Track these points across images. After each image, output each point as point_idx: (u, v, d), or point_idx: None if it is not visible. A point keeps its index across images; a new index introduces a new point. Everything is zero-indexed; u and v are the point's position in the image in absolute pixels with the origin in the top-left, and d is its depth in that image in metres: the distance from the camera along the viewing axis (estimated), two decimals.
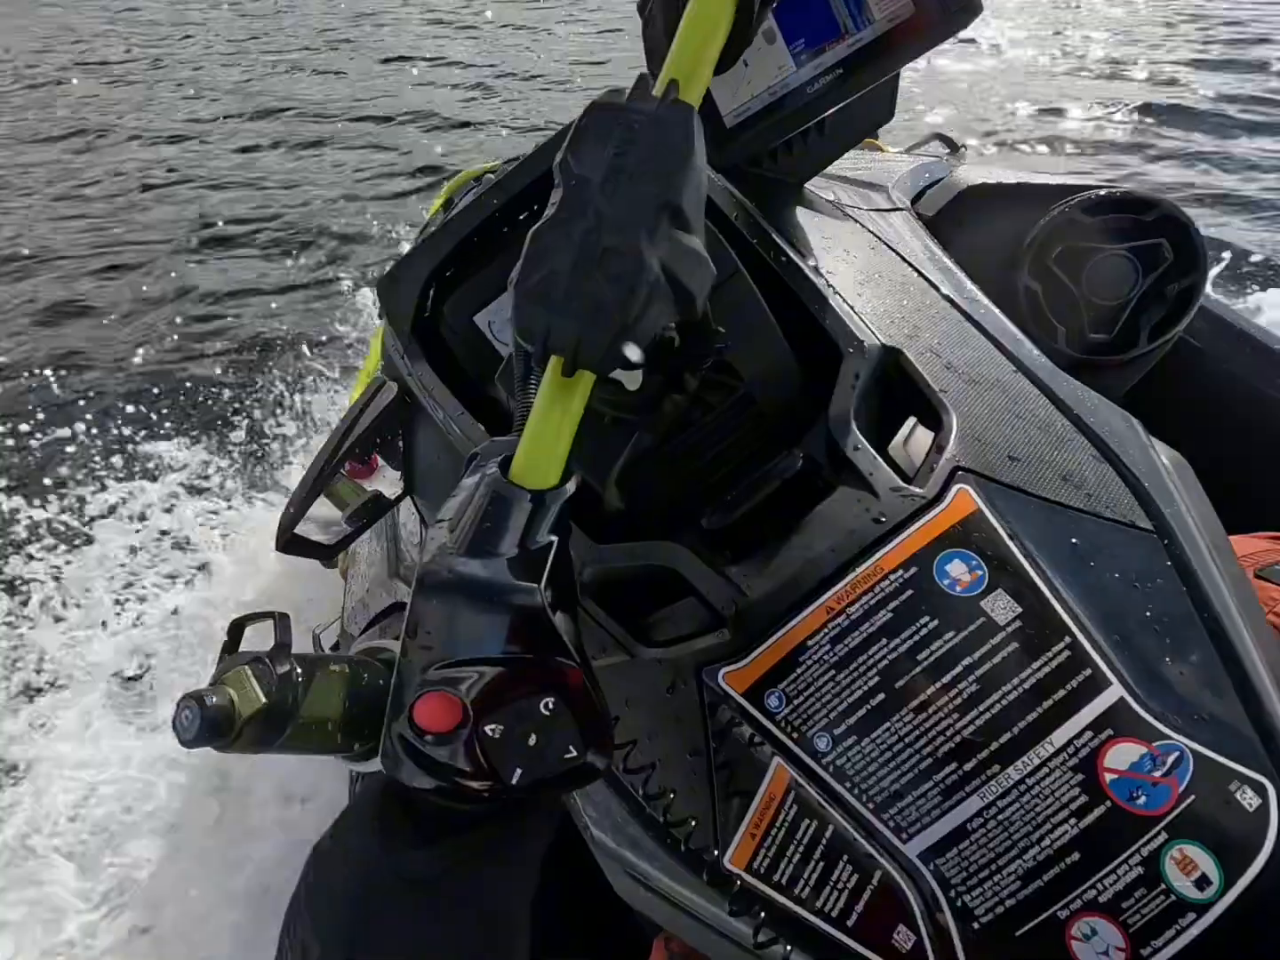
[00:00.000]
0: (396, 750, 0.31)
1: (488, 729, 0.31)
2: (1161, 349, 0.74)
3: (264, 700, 0.50)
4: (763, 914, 0.41)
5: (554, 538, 0.34)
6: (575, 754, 0.32)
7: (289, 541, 0.76)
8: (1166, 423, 0.64)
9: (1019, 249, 0.75)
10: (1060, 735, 0.38)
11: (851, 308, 0.57)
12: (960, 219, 0.80)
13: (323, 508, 0.83)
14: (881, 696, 0.41)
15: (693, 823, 0.45)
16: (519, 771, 0.31)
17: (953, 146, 0.98)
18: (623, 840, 0.49)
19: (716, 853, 0.44)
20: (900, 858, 0.39)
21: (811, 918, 0.41)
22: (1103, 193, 0.73)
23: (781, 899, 0.42)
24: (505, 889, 0.31)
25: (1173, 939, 0.34)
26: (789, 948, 0.40)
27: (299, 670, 0.54)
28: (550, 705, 0.31)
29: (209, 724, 0.49)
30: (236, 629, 0.58)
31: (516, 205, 0.67)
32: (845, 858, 0.40)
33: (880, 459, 0.48)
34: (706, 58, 0.40)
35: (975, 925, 0.37)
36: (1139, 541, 0.44)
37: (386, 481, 0.86)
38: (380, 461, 0.84)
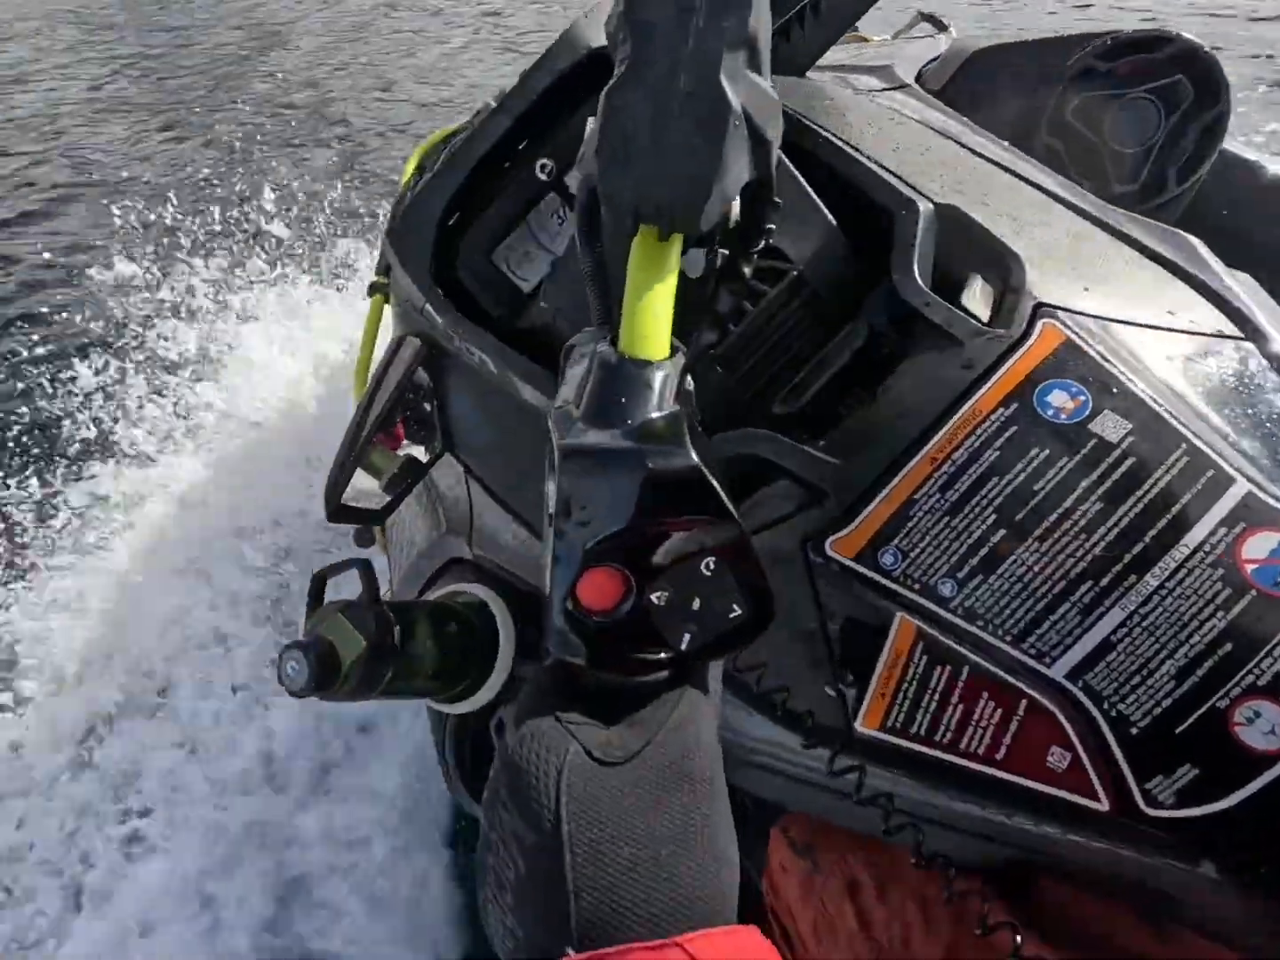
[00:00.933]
0: (565, 632, 0.31)
1: (654, 597, 0.30)
2: (1190, 190, 0.73)
3: (365, 643, 0.50)
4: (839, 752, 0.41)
5: (679, 406, 0.33)
6: (739, 612, 0.31)
7: (337, 510, 0.75)
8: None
9: (1035, 108, 0.74)
10: (1194, 536, 0.38)
11: (894, 173, 0.55)
12: (969, 88, 0.78)
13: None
14: (1002, 533, 0.41)
15: (811, 707, 0.45)
16: (688, 636, 0.31)
17: (940, 26, 0.95)
18: (749, 730, 0.49)
19: (848, 723, 0.45)
20: (1046, 682, 0.39)
21: (959, 760, 0.41)
22: (1115, 34, 0.71)
23: (923, 749, 0.42)
24: (702, 759, 0.31)
25: None
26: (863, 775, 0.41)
27: (392, 614, 0.53)
28: (711, 565, 0.31)
29: (317, 671, 0.48)
30: (319, 581, 0.57)
31: (518, 133, 0.65)
32: (985, 695, 0.41)
33: (955, 309, 0.47)
34: None
35: (1133, 730, 0.37)
36: (1235, 350, 0.44)
37: (414, 450, 0.85)
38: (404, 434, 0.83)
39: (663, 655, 0.30)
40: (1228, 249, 0.52)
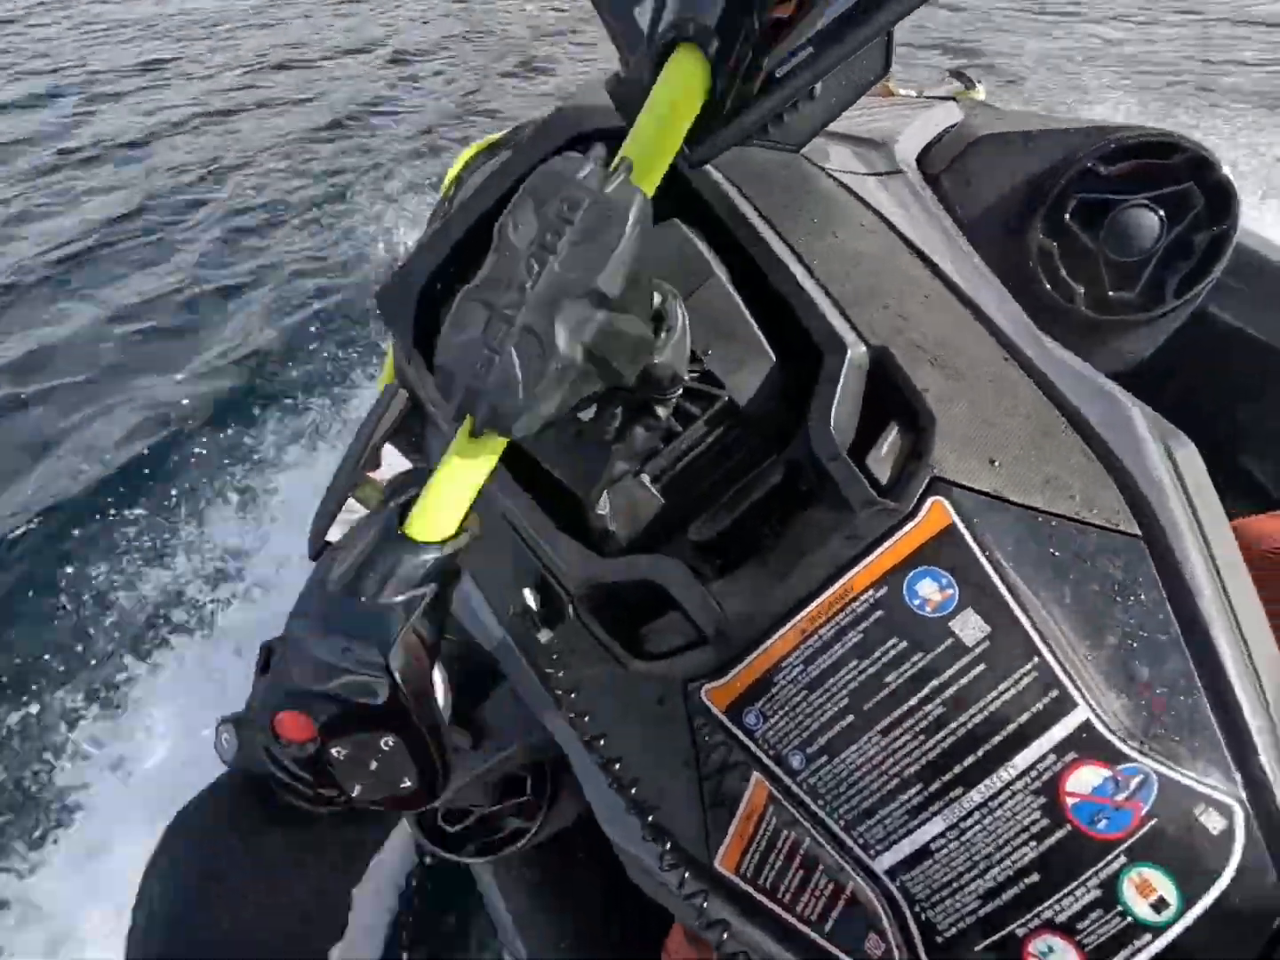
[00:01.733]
0: (258, 749, 0.36)
1: (333, 750, 0.35)
2: (1189, 304, 0.69)
3: None
4: (705, 903, 0.44)
5: (430, 587, 0.36)
6: (409, 784, 0.36)
7: (321, 549, 0.80)
8: (1198, 386, 0.61)
9: (1032, 205, 0.71)
10: (1023, 759, 0.38)
11: (836, 302, 0.55)
12: (969, 174, 0.75)
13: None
14: (851, 718, 0.42)
15: (676, 830, 0.48)
16: (359, 788, 0.36)
17: (968, 83, 0.90)
18: (627, 836, 0.53)
19: (709, 857, 0.47)
20: (870, 872, 0.41)
21: (793, 920, 0.44)
22: (1121, 137, 0.67)
23: (765, 900, 0.45)
24: (333, 882, 0.37)
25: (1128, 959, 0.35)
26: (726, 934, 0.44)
27: None
28: (389, 743, 0.36)
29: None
30: (266, 652, 0.63)
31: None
32: (821, 868, 0.43)
33: (857, 470, 0.48)
34: (666, 147, 0.38)
35: (938, 939, 0.39)
36: (1123, 548, 0.43)
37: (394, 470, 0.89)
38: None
39: (337, 795, 0.36)
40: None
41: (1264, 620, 0.42)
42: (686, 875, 0.48)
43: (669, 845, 0.48)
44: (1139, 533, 0.43)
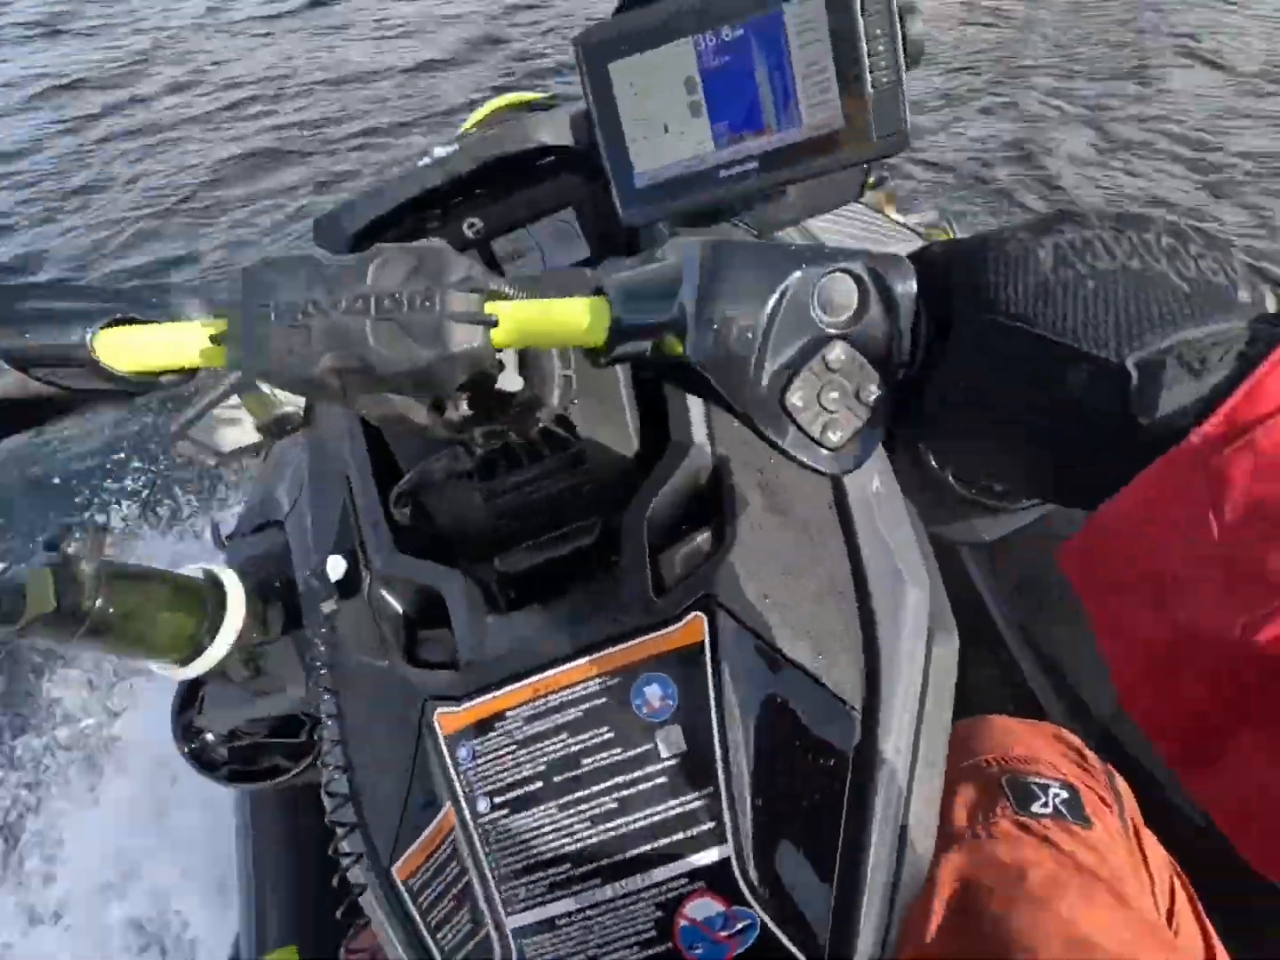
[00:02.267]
0: None
1: None
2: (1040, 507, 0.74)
3: (53, 605, 0.56)
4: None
5: None
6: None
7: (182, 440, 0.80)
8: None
9: None
10: (660, 873, 0.41)
11: (707, 410, 0.57)
12: None
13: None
14: (539, 785, 0.45)
15: (372, 824, 0.50)
16: None
17: (947, 226, 0.94)
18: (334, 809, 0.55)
19: (390, 858, 0.50)
20: (499, 926, 0.44)
21: (430, 942, 0.46)
22: None
23: (418, 917, 0.47)
24: None
25: None
26: None
27: (105, 584, 0.58)
28: None
29: None
30: (62, 532, 0.63)
31: (451, 191, 0.67)
32: (467, 907, 0.45)
33: (646, 562, 0.50)
34: (542, 337, 0.38)
35: None
36: (840, 719, 0.46)
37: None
38: None
39: None
40: None
41: (933, 831, 0.46)
42: (361, 862, 0.50)
43: (356, 829, 0.50)
44: (857, 709, 0.46)
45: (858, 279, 0.31)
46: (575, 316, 0.35)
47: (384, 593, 0.57)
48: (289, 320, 0.35)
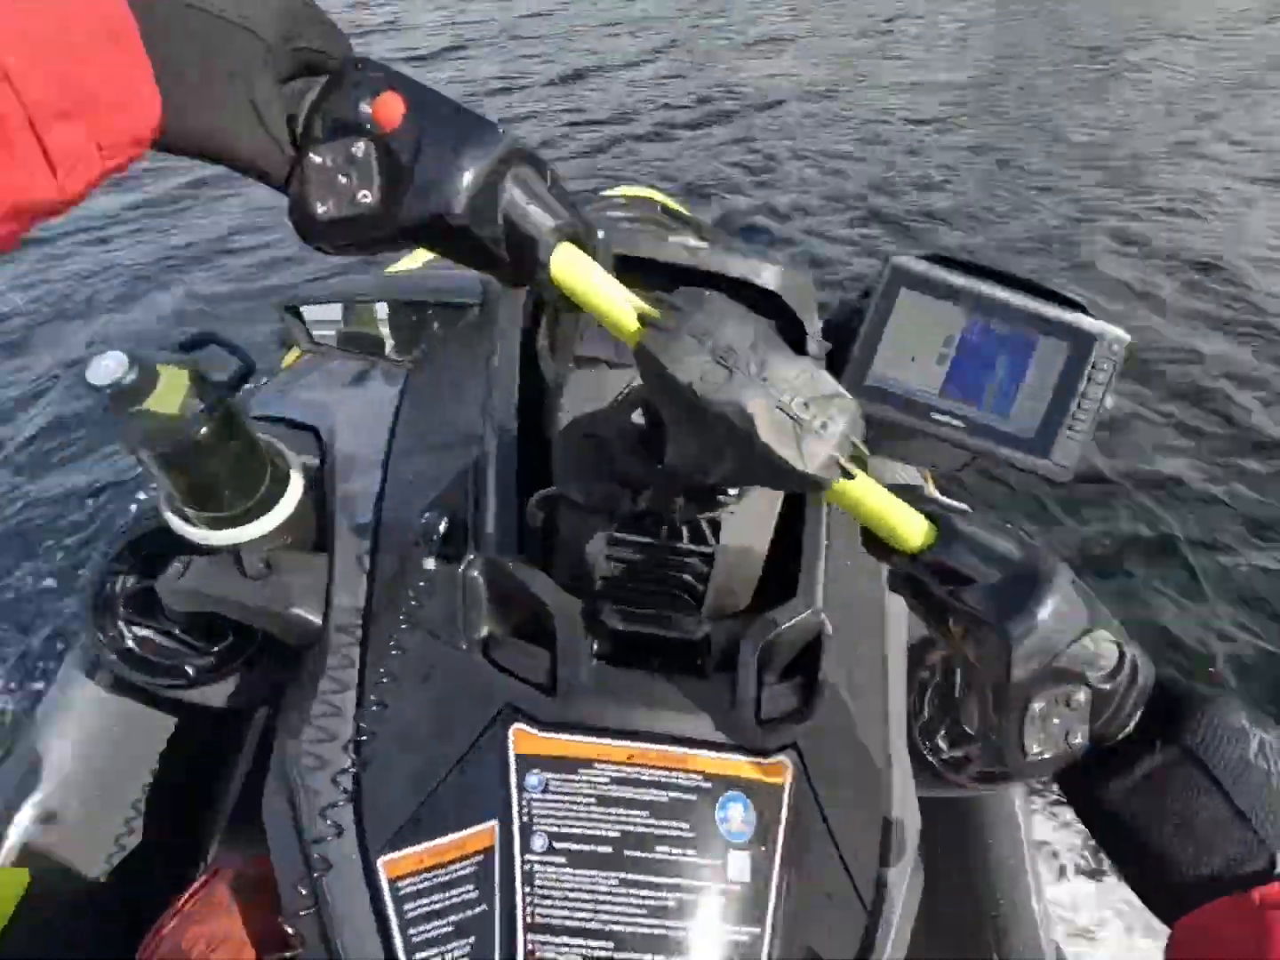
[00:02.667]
0: None
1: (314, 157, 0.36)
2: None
3: (175, 410, 0.50)
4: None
5: None
6: (370, 200, 0.37)
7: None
8: None
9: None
10: None
11: (829, 570, 0.64)
12: None
13: None
14: (609, 849, 0.45)
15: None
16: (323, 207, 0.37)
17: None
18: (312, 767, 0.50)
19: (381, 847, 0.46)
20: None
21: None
22: None
23: (396, 926, 0.44)
24: None
25: None
26: None
27: (217, 414, 0.53)
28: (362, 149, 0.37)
29: (124, 387, 0.48)
30: (203, 338, 0.57)
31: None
32: (472, 940, 0.43)
33: (756, 691, 0.53)
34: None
35: None
36: (853, 905, 0.50)
37: None
38: None
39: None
40: None
41: None
42: (333, 839, 0.46)
43: (348, 802, 0.46)
44: (867, 905, 0.51)
45: (1120, 649, 0.40)
46: (902, 523, 0.41)
47: (478, 576, 0.56)
48: (718, 356, 0.39)
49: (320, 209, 0.37)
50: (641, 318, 0.40)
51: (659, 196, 1.56)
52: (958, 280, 0.63)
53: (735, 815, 0.47)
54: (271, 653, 0.68)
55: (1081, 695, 0.38)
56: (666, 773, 0.47)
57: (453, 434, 0.67)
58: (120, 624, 0.66)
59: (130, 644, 0.67)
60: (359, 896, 0.44)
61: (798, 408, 0.40)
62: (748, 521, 0.62)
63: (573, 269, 0.40)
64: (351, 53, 0.38)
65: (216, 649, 0.69)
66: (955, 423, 0.66)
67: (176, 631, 0.68)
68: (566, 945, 0.42)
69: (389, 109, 0.36)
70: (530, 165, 0.40)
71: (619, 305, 0.41)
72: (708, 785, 0.48)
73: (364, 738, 0.49)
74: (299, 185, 0.37)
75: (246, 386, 0.58)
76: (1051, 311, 0.64)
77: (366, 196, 0.36)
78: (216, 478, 0.54)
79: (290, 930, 0.45)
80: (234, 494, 0.56)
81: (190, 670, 0.68)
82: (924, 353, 0.65)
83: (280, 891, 0.48)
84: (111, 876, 0.71)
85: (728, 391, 0.39)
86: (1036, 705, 0.38)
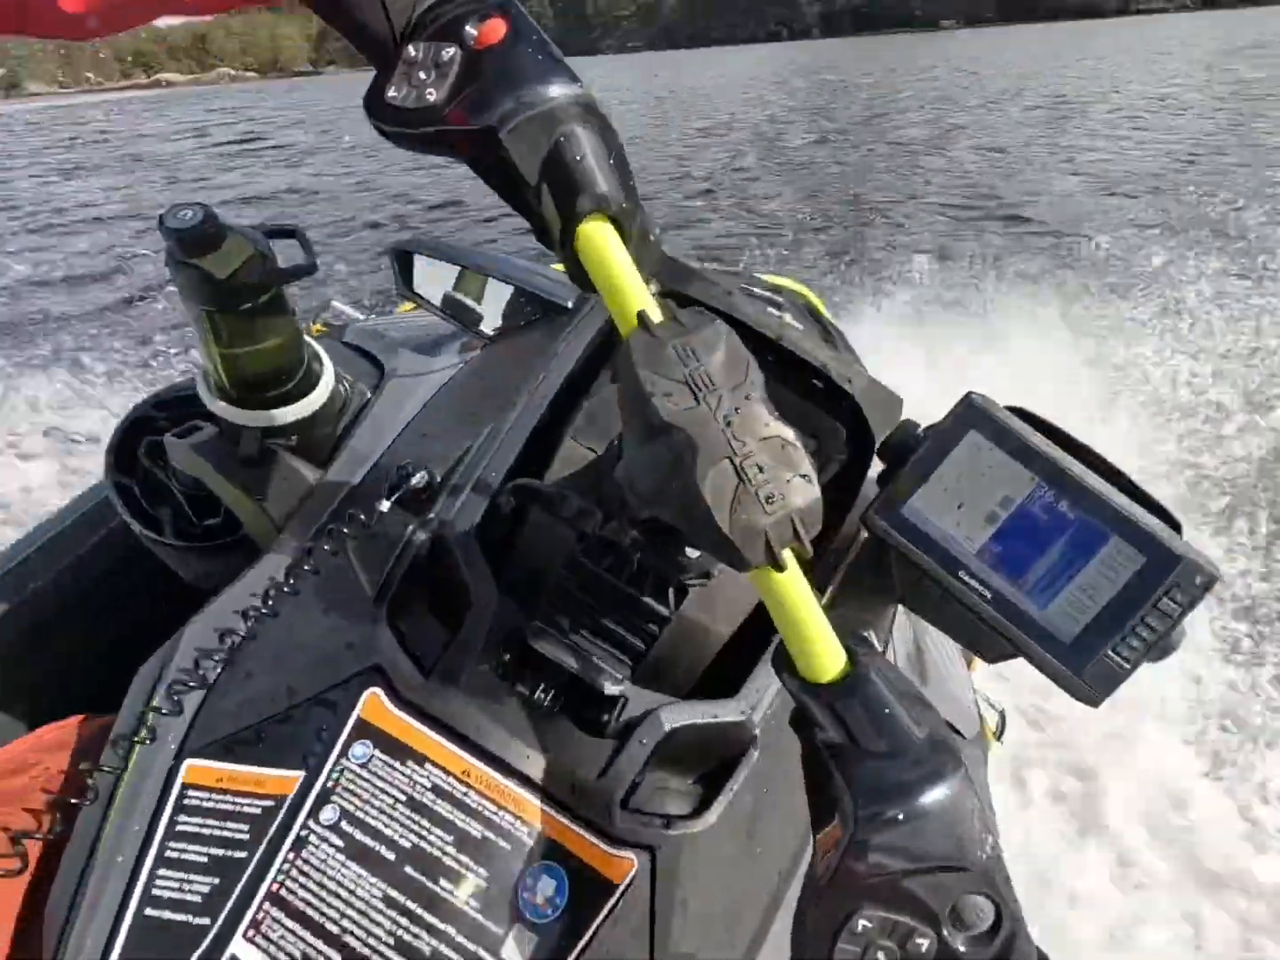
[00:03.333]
0: None
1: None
2: None
3: (230, 269, 0.53)
4: None
5: None
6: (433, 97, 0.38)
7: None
8: None
9: None
10: None
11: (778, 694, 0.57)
12: None
13: None
14: (390, 855, 0.41)
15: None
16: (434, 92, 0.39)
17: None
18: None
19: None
20: (224, 942, 0.37)
21: (145, 871, 0.40)
22: None
23: (159, 836, 0.41)
24: None
25: None
26: None
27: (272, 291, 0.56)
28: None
29: (199, 234, 0.52)
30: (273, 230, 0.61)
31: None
32: (215, 881, 0.39)
33: (639, 775, 0.47)
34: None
35: None
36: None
37: None
38: None
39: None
40: None
41: None
42: (167, 719, 0.44)
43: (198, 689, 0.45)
44: None
45: (998, 913, 0.30)
46: (818, 646, 0.36)
47: (423, 540, 0.54)
48: (696, 381, 0.36)
49: (391, 93, 0.39)
50: (641, 315, 0.38)
51: (810, 295, 1.56)
52: (1036, 441, 0.57)
53: (543, 891, 0.41)
54: (246, 551, 0.69)
55: (925, 943, 0.30)
56: (494, 808, 0.42)
57: (483, 412, 0.67)
58: (138, 463, 0.70)
59: (132, 485, 0.70)
60: (152, 781, 0.42)
61: (750, 467, 0.36)
62: (717, 601, 0.57)
63: (601, 242, 0.39)
64: None
65: (203, 524, 0.71)
66: (983, 590, 0.58)
67: (177, 492, 0.71)
68: (293, 933, 0.38)
69: (491, 31, 0.38)
70: (598, 128, 0.40)
71: (628, 294, 0.39)
72: (528, 841, 0.42)
73: (240, 636, 0.48)
74: (386, 68, 0.39)
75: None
76: (1138, 513, 0.55)
77: (432, 94, 0.38)
78: (246, 356, 0.57)
79: (90, 782, 0.43)
80: (258, 377, 0.59)
81: (167, 528, 0.70)
82: (974, 505, 0.58)
83: (108, 744, 0.47)
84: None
85: (684, 418, 0.36)
86: (861, 921, 0.30)
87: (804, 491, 0.36)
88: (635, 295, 0.39)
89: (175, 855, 0.40)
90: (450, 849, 0.41)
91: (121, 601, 0.83)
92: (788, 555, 0.36)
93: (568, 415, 0.63)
